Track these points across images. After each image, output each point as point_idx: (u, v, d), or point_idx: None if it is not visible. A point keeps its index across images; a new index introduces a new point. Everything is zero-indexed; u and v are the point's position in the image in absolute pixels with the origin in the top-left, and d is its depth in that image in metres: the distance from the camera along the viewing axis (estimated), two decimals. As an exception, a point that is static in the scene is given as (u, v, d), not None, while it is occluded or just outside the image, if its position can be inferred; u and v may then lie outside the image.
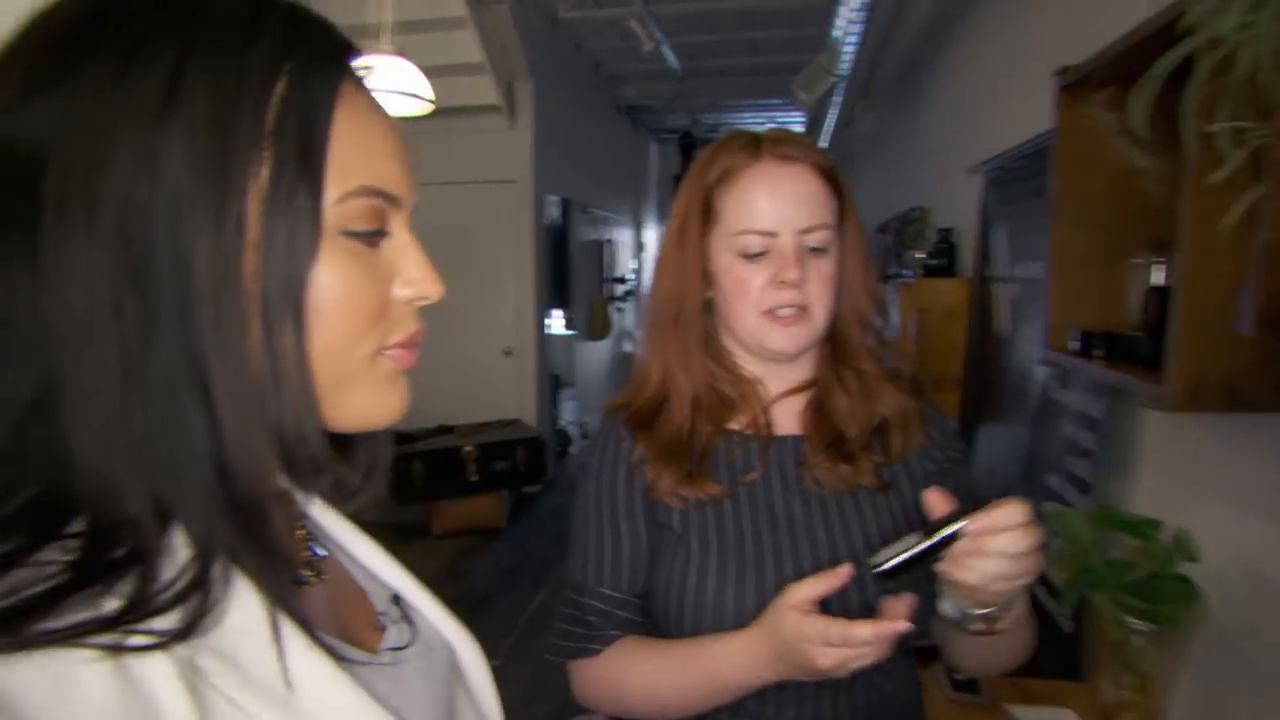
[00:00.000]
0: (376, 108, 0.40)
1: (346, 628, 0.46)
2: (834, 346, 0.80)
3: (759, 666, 0.70)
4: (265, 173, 0.35)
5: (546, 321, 4.80)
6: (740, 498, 0.78)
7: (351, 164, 0.38)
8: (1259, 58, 0.68)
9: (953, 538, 0.60)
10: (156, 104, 0.33)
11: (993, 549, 0.60)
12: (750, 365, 0.83)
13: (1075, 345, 1.21)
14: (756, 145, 0.77)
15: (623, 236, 6.84)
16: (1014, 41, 2.28)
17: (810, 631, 0.64)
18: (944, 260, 2.67)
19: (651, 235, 7.83)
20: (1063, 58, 1.19)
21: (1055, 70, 1.22)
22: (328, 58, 0.37)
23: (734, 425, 0.81)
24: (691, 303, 0.80)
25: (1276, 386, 0.85)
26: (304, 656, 0.37)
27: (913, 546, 0.60)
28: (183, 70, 0.33)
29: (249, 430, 0.35)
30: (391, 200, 0.40)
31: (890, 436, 0.80)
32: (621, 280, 6.57)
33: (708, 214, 0.79)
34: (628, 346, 6.79)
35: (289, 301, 0.35)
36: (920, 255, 2.85)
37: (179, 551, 0.35)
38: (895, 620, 0.63)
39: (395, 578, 0.53)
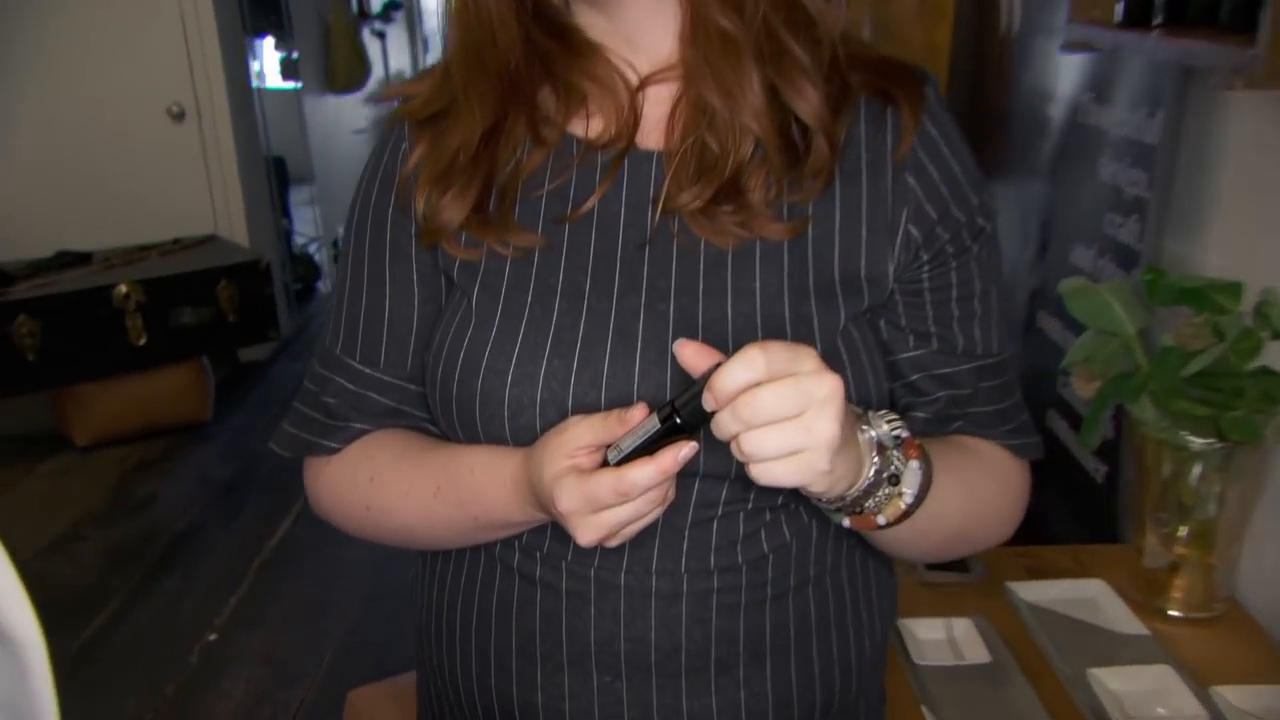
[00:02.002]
0: None
1: None
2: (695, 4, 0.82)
3: (530, 507, 0.81)
4: None
5: (250, 62, 4.51)
6: (560, 240, 0.85)
7: None
8: None
9: (701, 417, 0.71)
10: None
11: (735, 430, 0.68)
12: (590, 28, 0.86)
13: (1119, 14, 1.29)
14: None
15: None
16: None
17: (566, 502, 0.74)
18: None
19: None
20: None
21: None
22: None
23: (579, 129, 0.87)
24: None
25: None
26: None
27: (644, 434, 0.73)
28: None
29: None
30: None
31: (812, 150, 0.83)
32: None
33: None
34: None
35: None
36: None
37: None
38: (684, 443, 0.72)
39: None
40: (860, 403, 0.82)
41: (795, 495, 0.86)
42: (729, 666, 0.87)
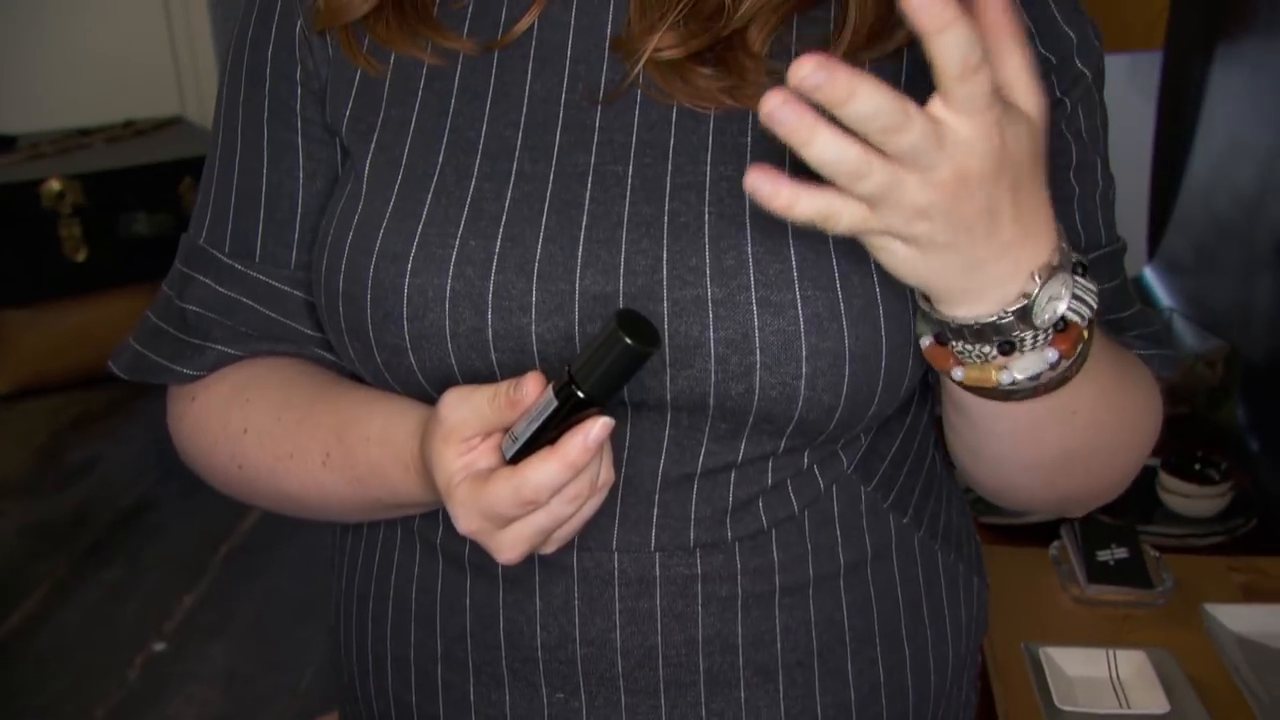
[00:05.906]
0: None
1: None
2: None
3: (431, 491, 0.80)
4: None
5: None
6: (485, 77, 0.86)
7: None
8: None
9: (612, 381, 0.71)
10: None
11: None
12: None
13: None
14: None
15: None
16: None
17: (465, 523, 0.75)
18: None
19: None
20: None
21: None
22: None
23: None
24: None
25: None
26: None
27: (541, 416, 0.73)
28: None
29: None
30: None
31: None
32: None
33: None
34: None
35: None
36: None
37: None
38: (593, 421, 0.71)
39: None
40: (896, 337, 0.81)
41: (805, 444, 0.85)
42: (726, 684, 0.87)
